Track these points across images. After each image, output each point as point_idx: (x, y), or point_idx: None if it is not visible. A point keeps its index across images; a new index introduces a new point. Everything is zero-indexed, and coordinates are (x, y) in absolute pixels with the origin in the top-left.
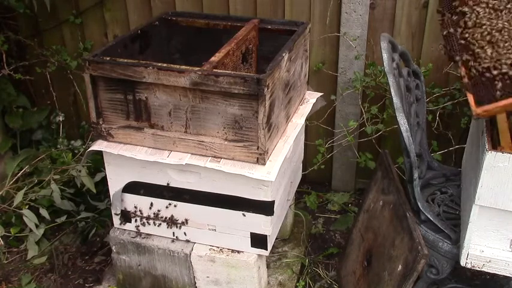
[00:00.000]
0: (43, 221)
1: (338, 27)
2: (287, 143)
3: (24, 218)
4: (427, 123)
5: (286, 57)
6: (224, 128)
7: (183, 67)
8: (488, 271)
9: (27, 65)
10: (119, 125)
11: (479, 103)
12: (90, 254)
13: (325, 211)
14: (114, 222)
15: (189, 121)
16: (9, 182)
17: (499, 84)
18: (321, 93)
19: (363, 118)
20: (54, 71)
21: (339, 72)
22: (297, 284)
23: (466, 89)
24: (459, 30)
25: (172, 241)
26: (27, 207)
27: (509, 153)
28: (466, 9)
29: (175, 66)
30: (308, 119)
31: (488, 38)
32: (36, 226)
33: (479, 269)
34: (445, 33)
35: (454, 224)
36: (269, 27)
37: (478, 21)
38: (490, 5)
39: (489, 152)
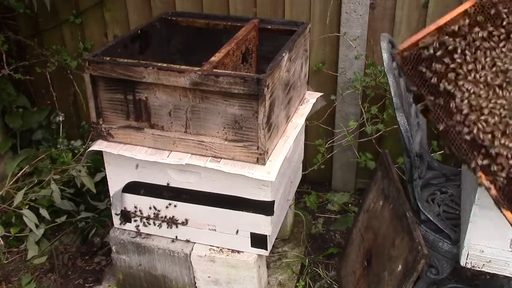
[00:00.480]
0: (43, 221)
1: (338, 27)
2: (287, 143)
3: (24, 218)
4: (427, 123)
5: (286, 57)
6: (224, 128)
7: (183, 67)
8: (488, 271)
9: (27, 65)
10: (119, 125)
11: None
12: (90, 254)
13: (325, 211)
14: (114, 222)
15: (189, 121)
16: (9, 182)
17: None
18: (321, 93)
19: (363, 118)
20: (54, 71)
21: (339, 72)
22: (297, 284)
23: (497, 204)
24: (457, 117)
25: (172, 241)
26: (27, 207)
27: None
28: (449, 87)
29: (175, 66)
30: (308, 119)
31: (501, 127)
32: (36, 226)
33: (479, 269)
34: (441, 128)
35: (454, 224)
36: (269, 27)
37: (473, 103)
38: (481, 79)
39: None
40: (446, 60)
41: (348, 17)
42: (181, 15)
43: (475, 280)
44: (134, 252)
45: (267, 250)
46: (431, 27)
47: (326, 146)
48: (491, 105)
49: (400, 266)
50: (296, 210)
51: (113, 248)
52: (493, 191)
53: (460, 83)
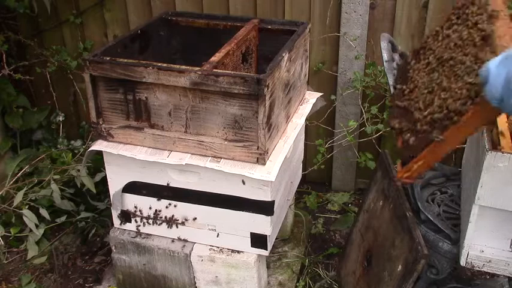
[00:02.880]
0: (43, 221)
1: (338, 27)
2: (287, 143)
3: (24, 218)
4: None
5: (286, 57)
6: (224, 128)
7: (183, 67)
8: (488, 271)
9: (27, 65)
10: (119, 125)
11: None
12: (90, 254)
13: (325, 211)
14: (114, 222)
15: (189, 121)
16: (9, 182)
17: (412, 138)
18: (321, 93)
19: (363, 118)
20: (54, 71)
21: (339, 72)
22: (297, 284)
23: (400, 154)
24: (403, 97)
25: (172, 241)
26: (27, 207)
27: (509, 153)
28: (411, 75)
29: (175, 66)
30: (308, 119)
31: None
32: (36, 226)
33: (479, 269)
34: (389, 105)
35: (454, 224)
36: (269, 27)
37: (416, 83)
38: (429, 68)
39: (489, 152)
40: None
41: (348, 17)
42: (181, 15)
43: (475, 280)
44: (134, 252)
45: (267, 250)
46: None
47: (326, 146)
48: (426, 84)
49: (400, 266)
50: (296, 210)
51: (113, 248)
52: (399, 143)
53: (416, 73)
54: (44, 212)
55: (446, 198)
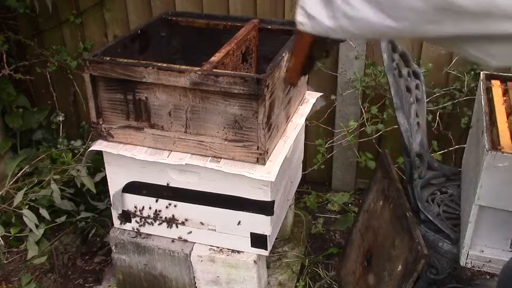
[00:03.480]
0: (43, 221)
1: None
2: (287, 143)
3: (24, 218)
4: (427, 123)
5: (286, 57)
6: (224, 128)
7: (183, 67)
8: (488, 271)
9: (27, 65)
10: (119, 125)
11: None
12: (90, 254)
13: (325, 211)
14: (114, 222)
15: (189, 121)
16: (9, 182)
17: None
18: (321, 93)
19: (363, 118)
20: (54, 71)
21: (339, 72)
22: (297, 284)
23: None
24: None
25: (172, 241)
26: (27, 207)
27: (509, 153)
28: None
29: (175, 66)
30: (308, 119)
31: None
32: (36, 226)
33: (479, 269)
34: None
35: (454, 224)
36: (269, 27)
37: None
38: None
39: (489, 152)
40: None
41: None
42: (181, 15)
43: (475, 280)
44: (134, 252)
45: (267, 250)
46: None
47: (326, 146)
48: None
49: (400, 266)
50: (296, 210)
51: (113, 248)
52: None
53: None
54: (44, 212)
55: (446, 198)
